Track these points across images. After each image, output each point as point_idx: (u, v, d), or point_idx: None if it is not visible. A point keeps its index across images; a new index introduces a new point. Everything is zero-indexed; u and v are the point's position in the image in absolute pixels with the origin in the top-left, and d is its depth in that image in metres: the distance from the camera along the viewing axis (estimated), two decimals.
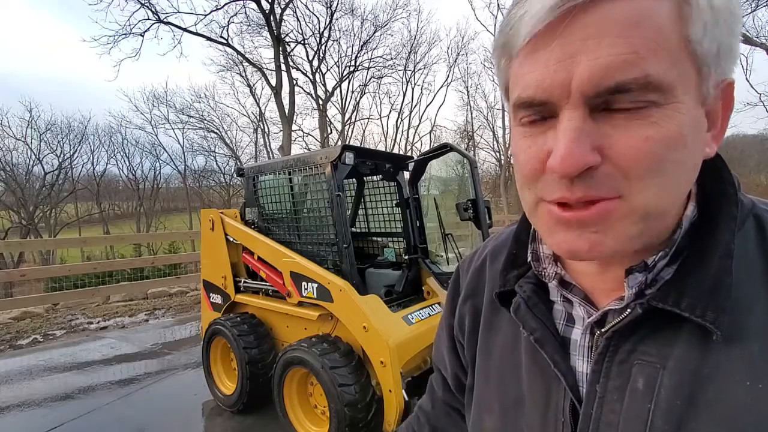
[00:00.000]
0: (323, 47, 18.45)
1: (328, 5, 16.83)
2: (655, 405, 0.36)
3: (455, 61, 24.62)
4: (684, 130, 0.32)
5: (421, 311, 2.57)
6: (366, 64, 21.04)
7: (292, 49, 17.17)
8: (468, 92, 25.32)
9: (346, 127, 23.32)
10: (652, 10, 0.31)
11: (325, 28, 17.68)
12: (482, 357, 0.56)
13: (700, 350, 0.35)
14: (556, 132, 0.34)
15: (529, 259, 0.49)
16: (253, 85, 21.54)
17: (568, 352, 0.45)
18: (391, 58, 21.76)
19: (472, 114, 25.24)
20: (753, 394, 0.33)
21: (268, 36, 14.90)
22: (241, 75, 20.94)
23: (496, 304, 0.53)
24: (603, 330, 0.40)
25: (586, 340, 0.44)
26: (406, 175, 3.23)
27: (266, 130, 24.02)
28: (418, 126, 26.38)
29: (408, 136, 25.83)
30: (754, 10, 10.71)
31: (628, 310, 0.38)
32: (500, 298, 0.51)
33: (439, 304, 2.74)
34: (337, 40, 19.68)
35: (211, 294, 3.42)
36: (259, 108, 23.24)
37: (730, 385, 0.34)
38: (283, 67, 14.86)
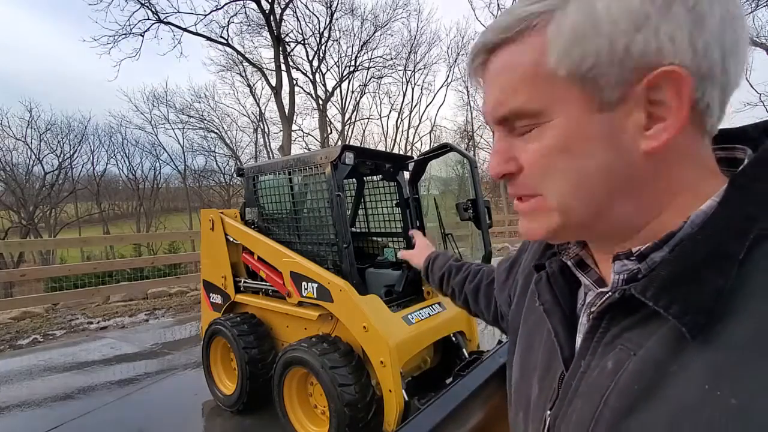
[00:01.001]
0: (323, 47, 18.46)
1: (328, 5, 16.84)
2: (615, 384, 0.38)
3: (455, 61, 24.62)
4: (564, 141, 0.39)
5: (421, 311, 2.57)
6: (366, 64, 21.08)
7: (292, 49, 17.18)
8: (468, 92, 25.27)
9: (346, 127, 23.34)
10: (515, 55, 0.40)
11: (325, 28, 17.69)
12: (524, 321, 0.62)
13: (673, 346, 0.35)
14: None
15: None
16: (253, 85, 21.57)
17: (576, 327, 0.49)
18: (391, 58, 21.80)
19: (472, 114, 25.21)
20: (703, 398, 0.31)
21: (268, 36, 14.91)
22: (241, 75, 20.98)
23: None
24: (591, 310, 0.44)
25: (586, 318, 0.47)
26: (406, 175, 3.23)
27: (266, 130, 24.04)
28: (418, 126, 26.43)
29: (408, 136, 25.86)
30: (754, 10, 10.73)
31: (609, 294, 0.41)
32: (537, 270, 0.57)
33: (439, 303, 2.74)
34: (337, 40, 19.71)
35: (211, 294, 3.42)
36: (259, 108, 23.27)
37: (690, 385, 0.33)
38: (283, 67, 14.86)
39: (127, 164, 27.73)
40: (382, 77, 22.86)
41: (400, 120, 25.40)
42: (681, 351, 0.34)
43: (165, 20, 12.83)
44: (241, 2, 14.18)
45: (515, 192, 0.45)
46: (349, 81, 21.88)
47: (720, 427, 0.30)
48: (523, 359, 0.58)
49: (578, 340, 0.47)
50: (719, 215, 0.36)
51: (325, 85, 20.45)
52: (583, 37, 0.36)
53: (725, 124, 0.41)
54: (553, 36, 0.37)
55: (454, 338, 2.75)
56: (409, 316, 2.47)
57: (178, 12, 13.14)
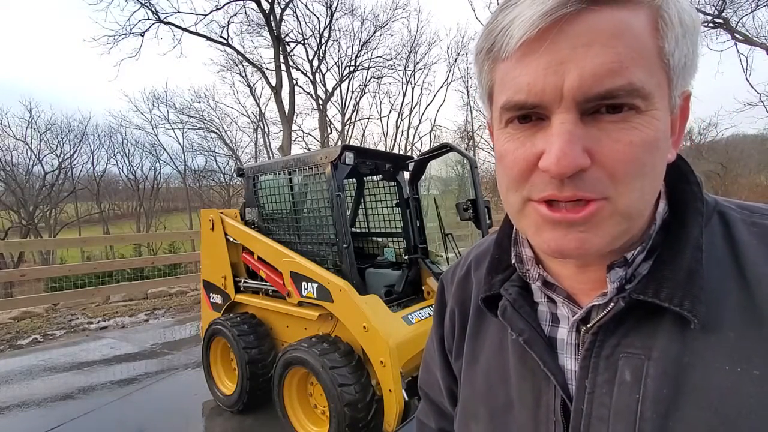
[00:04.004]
0: (323, 47, 18.45)
1: (328, 5, 16.83)
2: (643, 395, 0.37)
3: (455, 61, 24.56)
4: (659, 135, 0.35)
5: (421, 311, 2.57)
6: (366, 64, 21.05)
7: (292, 49, 17.18)
8: (468, 92, 25.21)
9: (346, 127, 23.31)
10: (633, 21, 0.34)
11: (325, 28, 17.69)
12: (468, 364, 0.56)
13: (681, 339, 0.37)
14: (549, 134, 0.36)
15: (512, 261, 0.50)
16: (253, 85, 21.53)
17: (556, 351, 0.46)
18: (391, 58, 21.77)
19: (472, 114, 25.16)
20: (733, 378, 0.34)
21: (268, 36, 14.91)
22: (241, 75, 20.92)
23: (482, 310, 0.53)
24: (588, 326, 0.42)
25: (573, 338, 0.45)
26: (406, 175, 3.23)
27: (266, 130, 24.02)
28: (418, 126, 26.37)
29: (408, 136, 25.82)
30: (754, 10, 10.71)
31: (612, 304, 0.40)
32: (486, 302, 0.52)
33: None
34: (337, 40, 19.69)
35: (211, 294, 3.42)
36: (259, 108, 23.23)
37: (710, 371, 0.35)
38: (283, 67, 14.87)
39: (127, 164, 27.74)
40: (382, 77, 22.84)
41: (400, 120, 25.38)
42: (687, 341, 0.37)
43: (165, 20, 12.84)
44: (241, 2, 14.19)
45: (581, 194, 0.35)
46: (349, 81, 21.87)
47: (759, 399, 0.33)
48: (487, 400, 0.52)
49: (567, 361, 0.45)
50: (688, 214, 0.41)
51: (325, 85, 20.46)
52: (689, 33, 0.35)
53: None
54: (674, 19, 0.34)
55: None
56: (409, 316, 2.47)
57: (178, 12, 13.17)
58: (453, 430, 0.61)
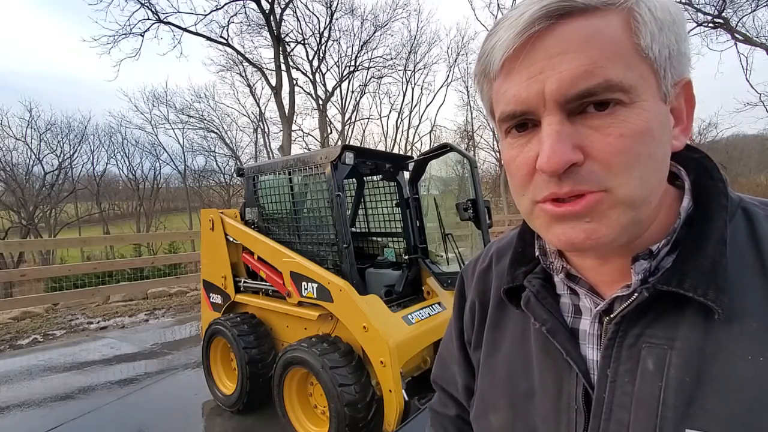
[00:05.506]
0: (323, 47, 18.46)
1: (328, 5, 16.83)
2: (666, 383, 0.38)
3: (455, 61, 24.60)
4: (650, 124, 0.37)
5: (421, 311, 2.57)
6: (366, 64, 21.07)
7: (292, 49, 17.18)
8: (468, 92, 25.22)
9: (346, 127, 23.32)
10: (603, 26, 0.36)
11: (325, 28, 17.69)
12: (488, 355, 0.57)
13: (704, 330, 0.38)
14: (540, 137, 0.39)
15: (537, 253, 0.52)
16: (253, 85, 21.56)
17: (578, 342, 0.47)
18: (391, 58, 21.79)
19: (472, 114, 25.16)
20: (755, 368, 0.35)
21: (268, 36, 14.91)
22: (241, 75, 20.96)
23: (503, 301, 0.55)
24: (612, 316, 0.43)
25: (595, 328, 0.46)
26: (406, 175, 3.23)
27: (266, 130, 24.03)
28: (418, 126, 26.39)
29: (408, 136, 25.83)
30: (754, 10, 10.73)
31: (635, 294, 0.41)
32: (508, 294, 0.53)
33: (439, 303, 2.74)
34: (337, 40, 19.70)
35: (211, 294, 3.42)
36: (259, 108, 23.26)
37: (733, 360, 0.36)
38: (283, 67, 14.86)
39: (127, 164, 27.74)
40: (382, 77, 22.86)
41: (400, 120, 25.39)
42: (710, 331, 0.38)
43: (165, 20, 12.83)
44: (241, 2, 14.19)
45: (579, 188, 0.37)
46: (349, 81, 21.88)
47: None
48: (508, 390, 0.53)
49: (589, 351, 0.46)
50: (712, 208, 0.42)
51: (325, 85, 20.46)
52: (666, 26, 0.38)
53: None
54: (647, 17, 0.37)
55: None
56: (409, 316, 2.47)
57: (178, 12, 13.16)
58: (467, 416, 0.62)
